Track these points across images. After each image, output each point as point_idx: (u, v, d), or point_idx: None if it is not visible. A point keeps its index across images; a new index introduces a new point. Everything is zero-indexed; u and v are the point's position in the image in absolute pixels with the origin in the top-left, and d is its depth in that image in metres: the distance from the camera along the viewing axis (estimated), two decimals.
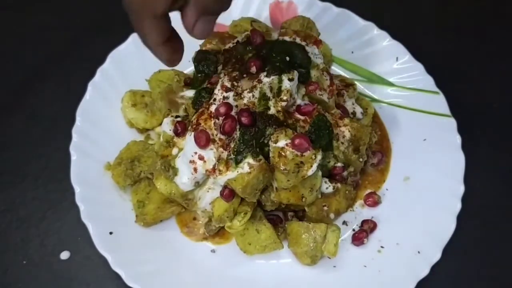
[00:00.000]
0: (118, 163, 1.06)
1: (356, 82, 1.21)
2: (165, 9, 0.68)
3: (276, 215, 1.07)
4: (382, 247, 1.03)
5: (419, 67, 1.23)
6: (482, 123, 1.27)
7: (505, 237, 1.11)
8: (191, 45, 1.14)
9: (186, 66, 1.21)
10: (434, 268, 0.97)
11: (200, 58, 1.06)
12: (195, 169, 0.96)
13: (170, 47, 0.74)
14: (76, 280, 1.04)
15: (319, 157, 0.93)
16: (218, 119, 0.94)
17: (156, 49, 0.74)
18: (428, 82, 1.20)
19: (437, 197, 1.06)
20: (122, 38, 1.24)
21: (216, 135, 0.95)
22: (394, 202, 1.09)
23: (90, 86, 1.17)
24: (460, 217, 1.02)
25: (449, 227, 1.01)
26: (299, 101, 1.00)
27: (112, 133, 1.15)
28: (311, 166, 0.92)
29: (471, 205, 1.06)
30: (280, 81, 0.96)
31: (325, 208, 1.04)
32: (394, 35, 1.27)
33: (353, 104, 1.16)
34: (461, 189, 1.05)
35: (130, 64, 1.23)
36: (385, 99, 1.24)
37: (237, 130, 0.94)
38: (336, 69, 1.28)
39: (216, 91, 0.97)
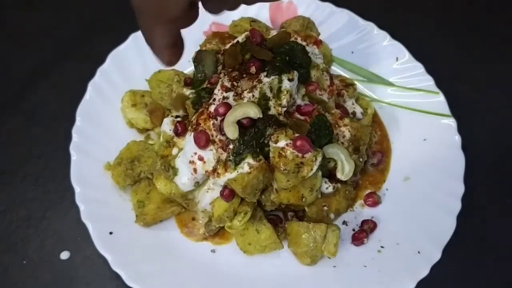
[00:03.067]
0: (118, 163, 1.06)
1: (356, 82, 1.21)
2: (180, 13, 0.65)
3: (276, 215, 1.07)
4: (382, 247, 1.03)
5: (419, 67, 1.23)
6: (482, 123, 1.27)
7: (505, 237, 1.11)
8: (191, 45, 1.16)
9: (186, 66, 1.21)
10: (434, 268, 0.97)
11: (200, 58, 1.06)
12: (195, 170, 0.96)
13: (173, 51, 0.72)
14: (76, 280, 1.04)
15: (319, 158, 0.93)
16: (217, 120, 0.94)
17: (159, 52, 0.72)
18: (428, 82, 1.21)
19: (437, 197, 1.06)
20: (122, 38, 1.24)
21: (216, 136, 0.94)
22: (394, 202, 1.09)
23: (90, 86, 1.17)
24: (460, 217, 1.02)
25: (449, 227, 1.01)
26: (299, 101, 1.00)
27: (112, 133, 1.15)
28: (312, 168, 0.92)
29: (471, 205, 1.06)
30: (280, 81, 0.96)
31: (325, 208, 1.04)
32: (394, 35, 1.27)
33: (353, 104, 1.16)
34: (461, 189, 1.05)
35: (130, 64, 1.23)
36: (385, 99, 1.24)
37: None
38: (336, 69, 1.28)
39: (216, 91, 0.97)
